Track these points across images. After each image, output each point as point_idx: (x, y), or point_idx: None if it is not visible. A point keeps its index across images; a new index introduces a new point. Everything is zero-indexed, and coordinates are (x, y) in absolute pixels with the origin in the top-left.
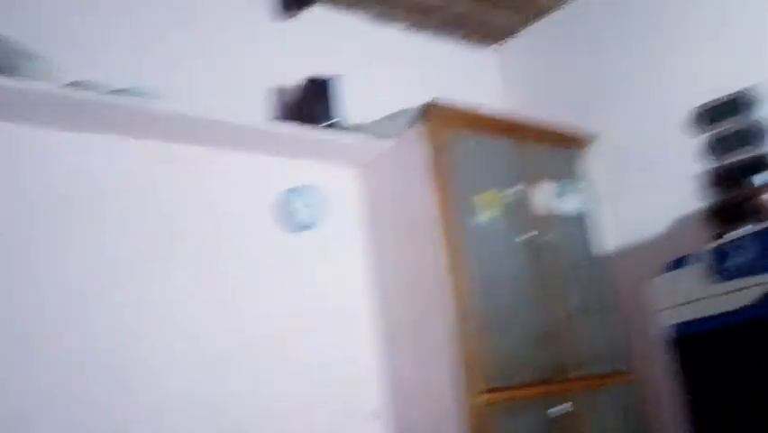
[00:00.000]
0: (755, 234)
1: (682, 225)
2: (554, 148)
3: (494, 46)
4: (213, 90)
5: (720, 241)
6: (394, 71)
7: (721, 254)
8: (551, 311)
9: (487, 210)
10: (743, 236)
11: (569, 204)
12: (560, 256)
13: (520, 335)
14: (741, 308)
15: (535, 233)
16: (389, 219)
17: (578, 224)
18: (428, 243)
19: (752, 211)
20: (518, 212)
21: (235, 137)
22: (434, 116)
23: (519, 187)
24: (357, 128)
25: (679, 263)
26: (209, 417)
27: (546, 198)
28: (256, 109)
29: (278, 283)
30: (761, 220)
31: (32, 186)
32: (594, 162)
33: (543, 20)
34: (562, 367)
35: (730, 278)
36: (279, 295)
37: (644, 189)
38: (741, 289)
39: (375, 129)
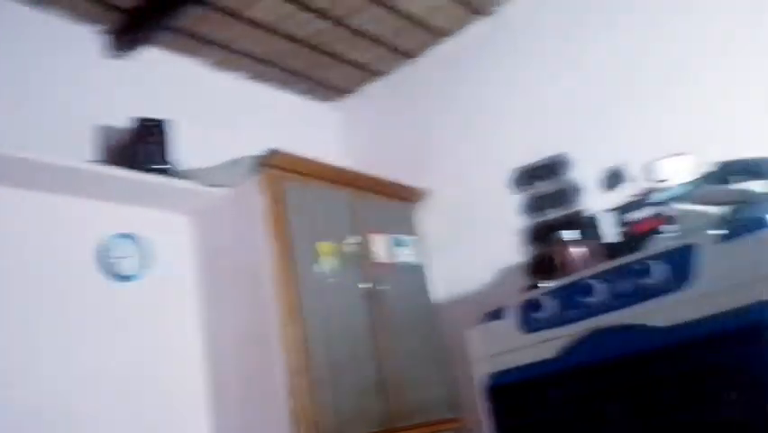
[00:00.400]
0: (558, 288)
1: (505, 276)
2: (391, 201)
3: (334, 102)
4: (34, 128)
5: (529, 294)
6: (234, 119)
7: (529, 307)
8: (386, 361)
9: (325, 260)
10: (548, 290)
11: (404, 255)
12: (396, 306)
13: (355, 386)
14: (546, 359)
15: (372, 283)
16: (224, 270)
17: (412, 274)
18: (264, 294)
19: (560, 265)
20: (356, 262)
21: (54, 179)
22: (273, 166)
23: (357, 237)
24: (190, 174)
25: (494, 315)
26: None
27: (383, 248)
28: (80, 150)
29: (97, 337)
30: (566, 274)
31: None
32: (427, 216)
33: (379, 80)
34: (395, 417)
35: (537, 329)
36: (99, 350)
37: (472, 242)
38: (546, 340)
39: (210, 176)
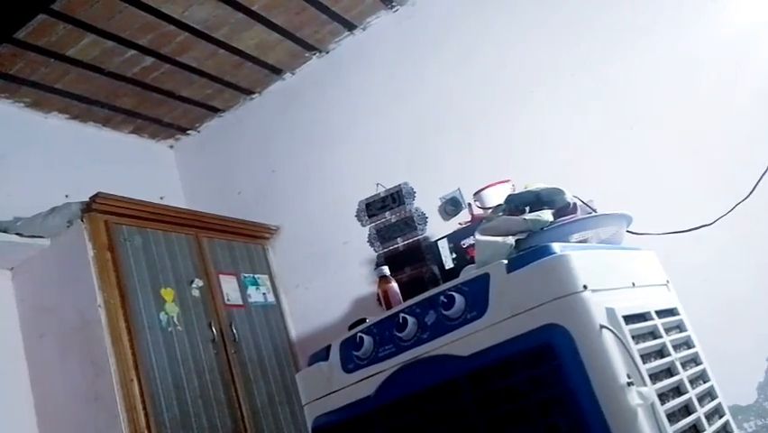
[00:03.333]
0: (374, 324)
1: (358, 309)
2: (239, 240)
3: (172, 140)
4: None
5: (352, 331)
6: (59, 163)
7: (349, 345)
8: (242, 407)
9: (171, 307)
10: (367, 327)
11: (257, 295)
12: (249, 348)
13: None
14: (362, 398)
15: (224, 327)
16: (53, 326)
17: (267, 314)
18: (99, 349)
19: (382, 300)
20: (205, 306)
21: None
22: (102, 210)
23: (203, 281)
24: (9, 226)
25: (321, 355)
26: None
27: (234, 289)
28: None
29: None
30: (388, 308)
31: None
32: (279, 253)
33: (220, 117)
34: None
35: (356, 368)
36: None
37: (326, 276)
38: (364, 379)
39: (31, 226)
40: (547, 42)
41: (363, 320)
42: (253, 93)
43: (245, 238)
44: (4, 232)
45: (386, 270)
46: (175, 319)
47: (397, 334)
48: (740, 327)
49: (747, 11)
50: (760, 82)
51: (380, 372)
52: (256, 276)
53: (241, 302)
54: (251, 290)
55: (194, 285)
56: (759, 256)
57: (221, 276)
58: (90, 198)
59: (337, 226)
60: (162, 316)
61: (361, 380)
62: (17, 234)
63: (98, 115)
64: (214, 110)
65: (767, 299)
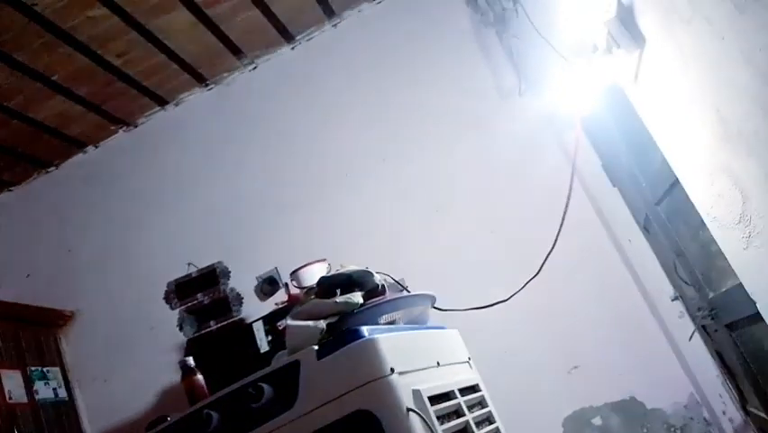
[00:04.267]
0: (175, 422)
1: (166, 402)
2: (27, 328)
3: None
4: None
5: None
6: None
7: None
8: None
9: None
10: (167, 424)
11: (47, 390)
12: None
13: None
14: None
15: (7, 428)
16: None
17: (58, 411)
18: None
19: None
20: None
21: None
22: None
23: None
24: None
25: None
26: None
27: (18, 385)
28: None
29: None
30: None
31: None
32: (74, 341)
33: (8, 192)
34: None
35: None
36: None
37: (129, 365)
38: None
39: None
40: (362, 128)
41: (165, 418)
42: (50, 166)
43: (34, 326)
44: None
45: (190, 361)
46: None
47: (203, 431)
48: (538, 392)
49: (535, 115)
50: (546, 173)
51: None
52: (45, 369)
53: (26, 399)
54: (39, 385)
55: None
56: (551, 325)
57: (2, 371)
58: None
59: (143, 310)
60: None
61: None
62: None
63: None
64: (5, 184)
65: (562, 364)
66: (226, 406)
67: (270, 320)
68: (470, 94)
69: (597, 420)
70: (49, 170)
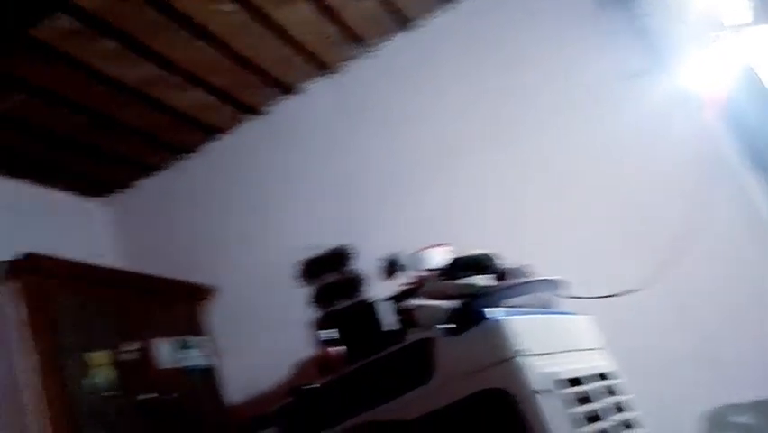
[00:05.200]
0: (316, 390)
1: (298, 374)
2: (173, 302)
3: (104, 198)
4: None
5: (289, 398)
6: None
7: (288, 413)
8: None
9: (99, 372)
10: (307, 393)
11: (192, 358)
12: (185, 414)
13: None
14: None
15: (156, 393)
16: None
17: (202, 378)
18: (26, 417)
19: (321, 366)
20: (137, 371)
21: None
22: (30, 270)
23: (136, 344)
24: None
25: (261, 422)
26: None
27: (167, 353)
28: None
29: None
30: (328, 374)
31: None
32: (215, 314)
33: (155, 175)
34: None
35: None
36: None
37: (263, 338)
38: None
39: None
40: (482, 111)
41: (304, 387)
42: (190, 151)
43: (181, 299)
44: None
45: (326, 334)
46: (106, 385)
47: (342, 400)
48: (674, 385)
49: (665, 96)
50: (679, 156)
51: None
52: (191, 339)
53: (175, 366)
54: (185, 353)
55: (126, 349)
56: (688, 315)
57: (155, 339)
58: (19, 257)
59: (276, 288)
60: (93, 380)
61: None
62: None
63: (28, 171)
64: (150, 168)
65: (701, 356)
66: (364, 377)
67: (396, 300)
68: (594, 75)
69: (740, 418)
70: (187, 155)
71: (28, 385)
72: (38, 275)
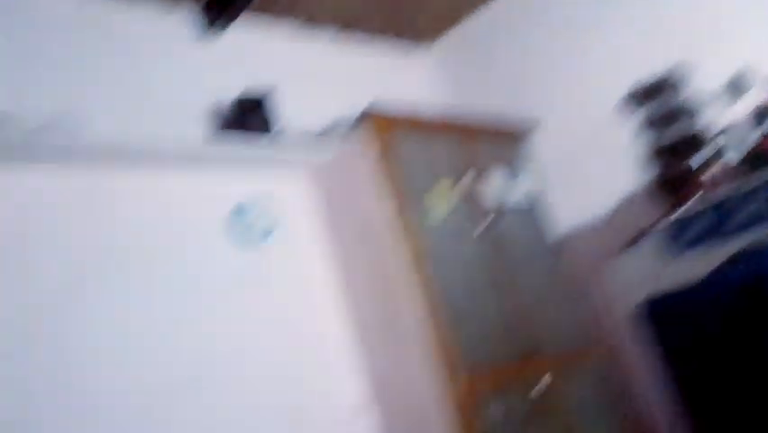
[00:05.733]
0: (702, 210)
1: (629, 202)
2: (497, 139)
3: (425, 46)
4: (146, 114)
5: (673, 215)
6: (327, 80)
7: (673, 230)
8: (512, 299)
9: (439, 207)
10: (690, 212)
11: (518, 193)
12: (515, 245)
13: (485, 324)
14: (695, 280)
15: (488, 225)
16: (345, 227)
17: (528, 212)
18: (387, 246)
19: (693, 187)
20: (469, 206)
21: (174, 159)
22: (374, 121)
23: (467, 181)
24: (297, 139)
25: (636, 241)
26: None
27: (495, 189)
28: (192, 129)
29: (239, 301)
30: (701, 195)
31: None
32: (539, 148)
33: (471, 17)
34: (530, 351)
35: (683, 252)
36: (242, 314)
37: (589, 171)
38: (694, 262)
39: (315, 139)
40: None
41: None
42: None
43: (506, 135)
44: (297, 146)
45: (697, 155)
46: (446, 218)
47: (729, 219)
48: None
49: None
50: None
51: (713, 256)
52: (519, 173)
53: (503, 201)
54: (514, 186)
55: (462, 183)
56: None
57: (486, 173)
58: (364, 109)
59: (602, 116)
60: (436, 214)
61: (691, 263)
62: (307, 147)
63: (360, 28)
64: (468, 10)
65: None
66: (755, 197)
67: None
68: None
69: None
70: None
71: (384, 220)
72: (381, 124)
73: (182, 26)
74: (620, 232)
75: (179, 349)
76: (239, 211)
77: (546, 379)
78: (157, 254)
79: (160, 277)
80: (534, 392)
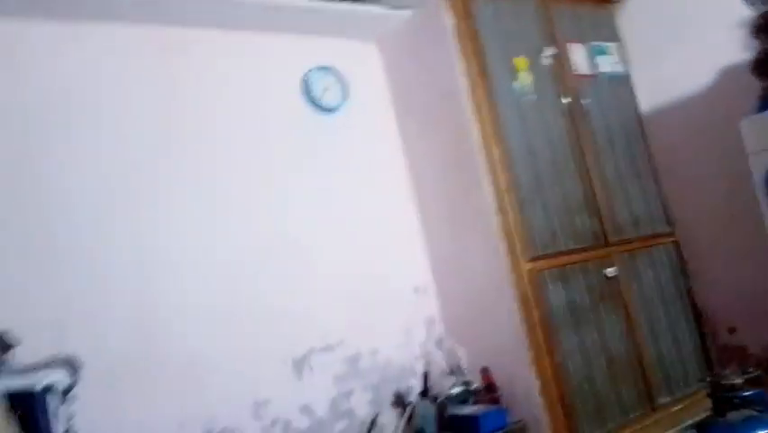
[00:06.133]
0: None
1: (725, 77)
2: (588, 5)
3: None
4: None
5: None
6: None
7: None
8: (592, 177)
9: (522, 76)
10: None
11: (606, 64)
12: (598, 120)
13: (563, 203)
14: None
15: (573, 97)
16: (419, 95)
17: (616, 84)
18: (463, 116)
19: None
20: (555, 76)
21: (251, 16)
22: None
23: (554, 49)
24: (373, 6)
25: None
26: (249, 316)
27: (583, 59)
28: None
29: (311, 167)
30: None
31: (33, 85)
32: (630, 17)
33: None
34: (604, 233)
35: None
36: (311, 180)
37: (683, 43)
38: None
39: (391, 6)
40: None
41: None
42: None
43: (593, 3)
44: (374, 3)
45: None
46: (527, 89)
47: None
48: None
49: None
50: None
51: None
52: (604, 44)
53: (589, 72)
54: (599, 59)
55: (545, 54)
56: None
57: (569, 45)
58: None
59: None
60: (516, 85)
61: None
62: (384, 6)
63: None
64: None
65: None
66: None
67: None
68: None
69: None
70: None
71: (460, 90)
72: None
73: None
74: (713, 110)
75: (253, 212)
76: (313, 76)
77: (616, 266)
78: (240, 111)
79: (241, 136)
80: (602, 278)
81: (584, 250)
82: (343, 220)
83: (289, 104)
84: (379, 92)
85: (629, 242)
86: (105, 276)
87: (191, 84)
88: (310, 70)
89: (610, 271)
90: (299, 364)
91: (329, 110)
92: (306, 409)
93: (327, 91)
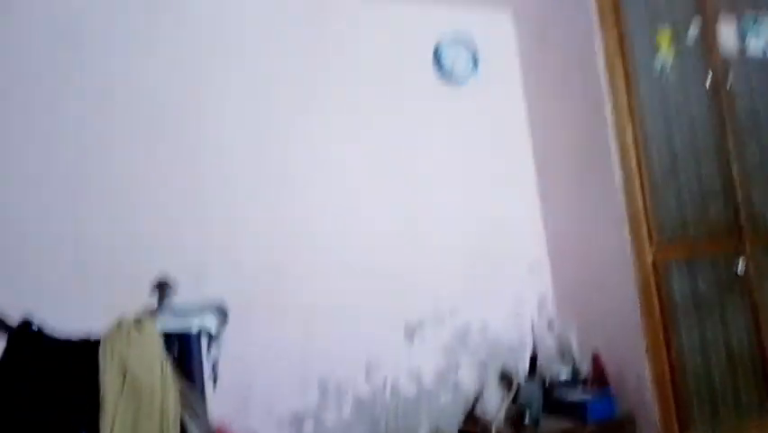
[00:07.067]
0: None
1: None
2: None
3: None
4: None
5: None
6: None
7: None
8: (733, 162)
9: (665, 52)
10: None
11: (756, 43)
12: (746, 103)
13: (697, 188)
14: None
15: (718, 78)
16: (551, 68)
17: (764, 68)
18: (597, 91)
19: None
20: (697, 54)
21: None
22: None
23: (698, 24)
24: None
25: None
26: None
27: (729, 36)
28: None
29: (437, 137)
30: None
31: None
32: None
33: None
34: (738, 224)
35: None
36: (438, 149)
37: None
38: None
39: None
40: None
41: None
42: None
43: None
44: None
45: None
46: (669, 66)
47: None
48: None
49: None
50: None
51: None
52: (758, 19)
53: (738, 52)
54: (750, 38)
55: (690, 29)
56: None
57: (719, 18)
58: None
59: None
60: (657, 62)
61: None
62: None
63: None
64: None
65: None
66: None
67: None
68: None
69: None
70: None
71: (597, 60)
72: None
73: None
74: None
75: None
76: (445, 46)
77: (748, 260)
78: (371, 78)
79: (372, 100)
80: (732, 272)
81: (715, 240)
82: (465, 192)
83: (421, 74)
84: (509, 63)
85: (765, 235)
86: (242, 220)
87: (330, 53)
88: (441, 41)
89: (741, 266)
90: (411, 331)
91: (458, 82)
92: (414, 377)
93: (457, 62)
